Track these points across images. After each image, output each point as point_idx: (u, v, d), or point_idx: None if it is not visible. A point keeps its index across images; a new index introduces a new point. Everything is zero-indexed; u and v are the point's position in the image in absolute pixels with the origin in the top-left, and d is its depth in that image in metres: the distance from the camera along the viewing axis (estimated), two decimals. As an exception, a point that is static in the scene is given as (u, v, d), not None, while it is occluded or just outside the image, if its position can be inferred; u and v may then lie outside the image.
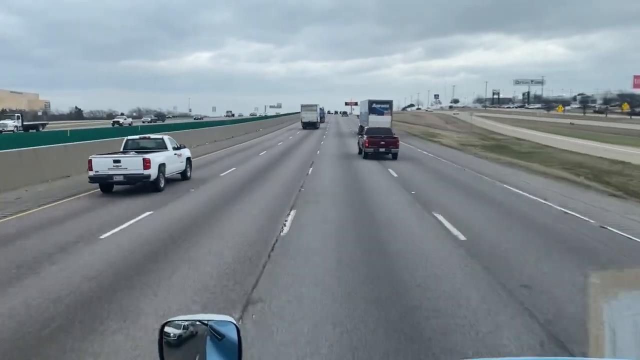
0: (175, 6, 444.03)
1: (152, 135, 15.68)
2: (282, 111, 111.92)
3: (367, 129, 27.99)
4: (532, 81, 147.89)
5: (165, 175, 13.72)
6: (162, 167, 13.24)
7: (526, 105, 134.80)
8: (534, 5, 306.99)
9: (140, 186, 13.31)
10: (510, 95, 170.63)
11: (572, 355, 3.79)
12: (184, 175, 15.11)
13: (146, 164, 12.49)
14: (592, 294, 1.96)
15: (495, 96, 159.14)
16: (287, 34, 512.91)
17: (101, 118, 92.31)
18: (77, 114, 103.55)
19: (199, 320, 1.59)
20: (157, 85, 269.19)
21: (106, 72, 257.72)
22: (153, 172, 12.71)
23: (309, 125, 60.08)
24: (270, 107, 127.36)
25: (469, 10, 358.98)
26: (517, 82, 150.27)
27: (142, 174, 12.51)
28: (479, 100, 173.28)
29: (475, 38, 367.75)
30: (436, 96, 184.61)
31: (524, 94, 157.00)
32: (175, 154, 14.47)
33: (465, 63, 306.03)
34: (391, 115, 43.75)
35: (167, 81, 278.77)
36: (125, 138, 15.07)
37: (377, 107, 44.19)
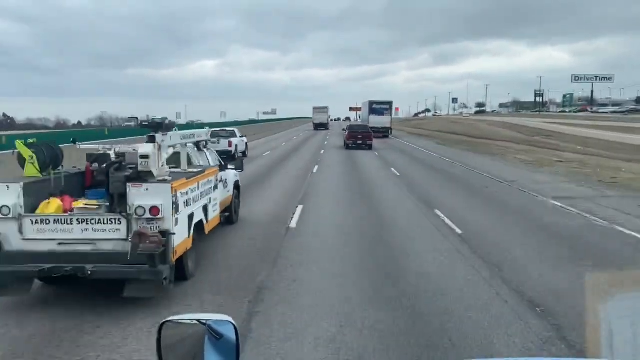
0: (182, 15, 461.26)
1: (227, 128, 26.66)
2: (268, 118, 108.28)
3: (348, 125, 38.77)
4: (596, 77, 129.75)
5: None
6: (236, 146, 24.09)
7: (591, 109, 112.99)
8: (540, 11, 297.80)
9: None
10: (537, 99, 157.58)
11: (573, 356, 3.79)
12: (244, 153, 25.98)
13: (230, 144, 23.32)
14: (590, 295, 1.98)
15: (538, 98, 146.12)
16: (292, 41, 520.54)
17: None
18: (8, 124, 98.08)
19: (198, 320, 1.70)
20: (161, 93, 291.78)
21: (111, 80, 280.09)
22: (233, 149, 23.52)
23: (321, 126, 71.63)
24: (264, 113, 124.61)
25: (476, 16, 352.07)
26: (577, 79, 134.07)
27: (228, 149, 23.41)
28: (503, 105, 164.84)
29: (481, 44, 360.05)
30: (455, 100, 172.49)
31: (564, 96, 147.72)
32: (241, 139, 25.44)
33: (471, 70, 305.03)
34: (391, 115, 50.53)
35: (172, 89, 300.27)
36: (211, 130, 25.94)
37: (377, 107, 48.80)
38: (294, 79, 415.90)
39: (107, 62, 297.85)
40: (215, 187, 8.60)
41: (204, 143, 9.84)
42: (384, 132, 48.91)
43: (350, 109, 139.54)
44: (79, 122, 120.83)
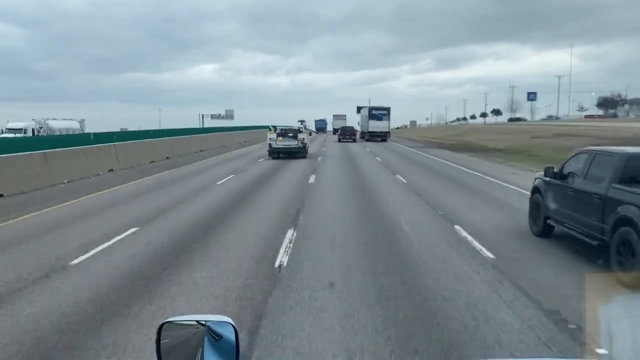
0: (181, 17, 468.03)
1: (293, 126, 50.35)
2: (224, 124, 74.01)
3: (341, 127, 58.69)
4: None
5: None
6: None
7: None
8: (548, 15, 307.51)
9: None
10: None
11: (576, 356, 3.86)
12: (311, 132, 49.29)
13: (305, 127, 47.00)
14: (589, 296, 2.08)
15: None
16: (294, 45, 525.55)
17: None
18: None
19: (197, 321, 1.74)
20: (160, 98, 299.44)
21: (108, 85, 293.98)
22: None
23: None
24: (212, 117, 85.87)
25: (482, 19, 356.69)
26: None
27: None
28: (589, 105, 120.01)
29: (487, 48, 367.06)
30: (532, 95, 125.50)
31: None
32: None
33: (478, 74, 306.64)
34: (389, 120, 55.23)
35: (171, 94, 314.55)
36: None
37: (376, 113, 53.87)
38: (297, 84, 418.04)
39: (104, 66, 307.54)
40: (308, 138, 34.50)
41: (306, 125, 34.71)
42: (383, 136, 53.74)
43: (358, 109, 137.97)
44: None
